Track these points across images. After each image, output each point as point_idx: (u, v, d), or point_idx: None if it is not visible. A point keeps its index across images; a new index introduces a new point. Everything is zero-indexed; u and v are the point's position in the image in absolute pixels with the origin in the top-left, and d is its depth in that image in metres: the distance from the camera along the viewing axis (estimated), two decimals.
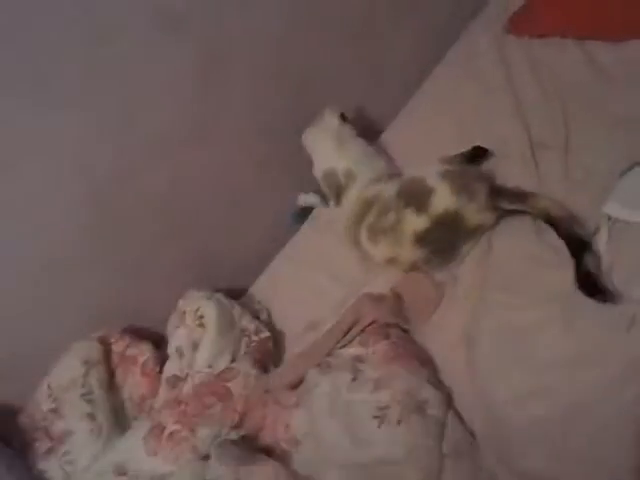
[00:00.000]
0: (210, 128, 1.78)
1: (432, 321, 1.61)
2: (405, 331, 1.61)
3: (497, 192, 1.60)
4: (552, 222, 1.51)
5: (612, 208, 1.43)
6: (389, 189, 1.70)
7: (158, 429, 1.57)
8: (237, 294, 1.97)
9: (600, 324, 1.32)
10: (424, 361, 1.52)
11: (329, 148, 1.85)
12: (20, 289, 1.66)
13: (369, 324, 1.59)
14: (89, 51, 1.48)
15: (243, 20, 1.67)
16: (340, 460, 1.38)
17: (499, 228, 1.61)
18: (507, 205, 1.58)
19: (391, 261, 1.66)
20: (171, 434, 1.55)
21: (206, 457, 1.51)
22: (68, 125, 1.53)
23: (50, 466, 1.60)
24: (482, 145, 1.77)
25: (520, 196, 1.58)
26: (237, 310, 1.82)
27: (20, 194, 1.55)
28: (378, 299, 1.66)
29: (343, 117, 1.86)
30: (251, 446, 1.45)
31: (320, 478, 1.37)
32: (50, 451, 1.61)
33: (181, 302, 1.81)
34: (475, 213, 1.57)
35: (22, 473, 1.54)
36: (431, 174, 1.63)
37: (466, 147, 1.77)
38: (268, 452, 1.43)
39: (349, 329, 1.61)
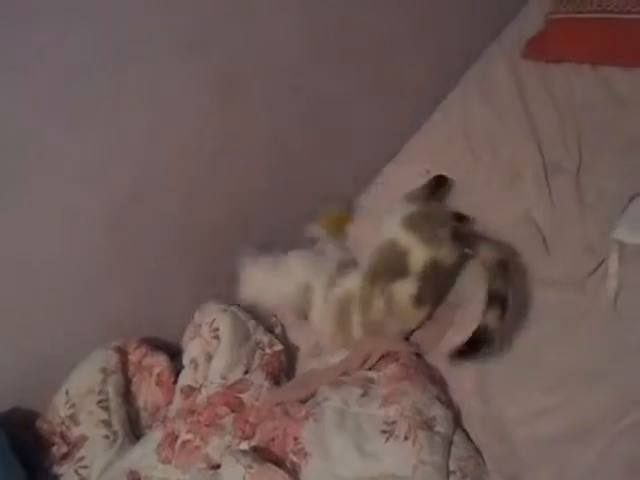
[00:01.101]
0: (228, 146, 1.81)
1: (441, 342, 1.63)
2: (416, 355, 1.62)
3: (461, 234, 1.64)
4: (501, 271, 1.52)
5: (622, 234, 1.45)
6: (355, 281, 1.72)
7: (171, 437, 1.61)
8: (253, 308, 1.99)
9: (605, 345, 1.34)
10: (434, 379, 1.54)
11: (275, 278, 1.87)
12: (41, 300, 1.71)
13: (383, 356, 1.61)
14: (114, 71, 1.52)
15: (260, 44, 1.71)
16: (348, 474, 1.40)
17: None
18: (469, 250, 1.63)
19: (402, 333, 1.67)
20: (184, 443, 1.59)
21: (217, 467, 1.54)
22: (91, 142, 1.58)
23: (66, 470, 1.64)
24: (444, 174, 1.83)
25: (481, 240, 1.61)
26: (252, 323, 1.85)
27: (43, 209, 1.60)
28: None
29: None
30: (262, 457, 1.46)
31: None
32: (66, 456, 1.66)
33: (197, 314, 1.85)
34: (448, 255, 1.61)
35: None
36: (394, 225, 1.67)
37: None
38: (278, 464, 1.44)
39: (363, 362, 1.63)
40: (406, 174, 1.96)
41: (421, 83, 2.05)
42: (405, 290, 1.61)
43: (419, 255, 1.60)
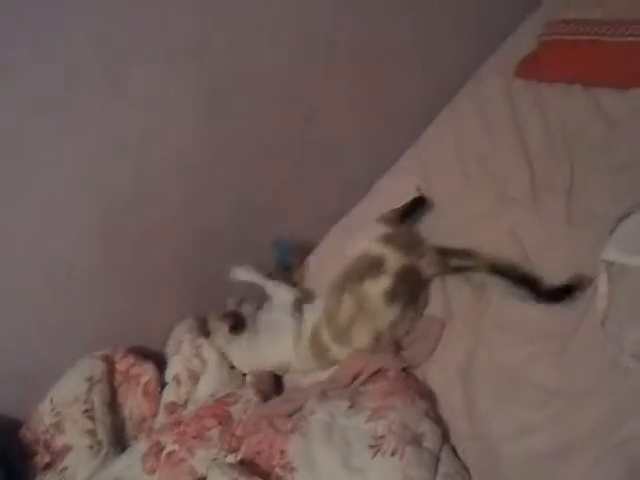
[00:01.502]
0: (221, 152, 1.81)
1: (432, 357, 1.63)
2: (405, 370, 1.62)
3: (444, 251, 1.67)
4: (499, 271, 1.56)
5: (611, 254, 1.45)
6: (315, 309, 1.76)
7: (157, 448, 1.60)
8: None
9: (593, 365, 1.34)
10: (423, 395, 1.53)
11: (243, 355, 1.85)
12: (29, 305, 1.70)
13: (373, 373, 1.61)
14: (111, 75, 1.52)
15: (253, 52, 1.71)
16: None
17: None
18: (456, 262, 1.65)
19: (375, 340, 1.66)
20: (169, 454, 1.58)
21: (202, 479, 1.53)
22: (89, 145, 1.58)
23: None
24: (422, 194, 1.85)
25: (466, 253, 1.64)
26: None
27: (37, 210, 1.59)
28: None
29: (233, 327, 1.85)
30: (248, 471, 1.45)
31: None
32: (49, 465, 1.65)
33: (177, 329, 1.86)
34: (427, 267, 1.66)
35: None
36: (369, 241, 1.71)
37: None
38: (264, 478, 1.44)
39: (353, 379, 1.63)
40: (397, 188, 1.96)
41: (414, 99, 2.07)
42: (377, 287, 1.63)
43: (397, 259, 1.64)
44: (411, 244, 1.69)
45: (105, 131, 1.58)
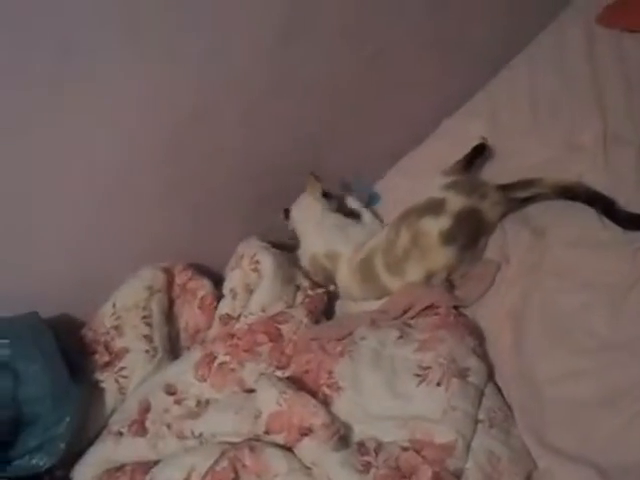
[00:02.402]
0: (286, 80, 1.79)
1: (483, 298, 1.65)
2: (456, 308, 1.64)
3: (506, 186, 1.66)
4: (568, 192, 1.57)
5: None
6: (379, 238, 1.76)
7: (209, 358, 1.67)
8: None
9: None
10: (472, 332, 1.56)
11: (310, 232, 1.90)
12: (98, 215, 1.74)
13: (424, 308, 1.63)
14: None
15: None
16: (378, 411, 1.44)
17: (554, 213, 1.63)
18: (520, 194, 1.64)
19: (427, 278, 1.67)
20: (221, 364, 1.65)
21: (250, 391, 1.59)
22: (152, 62, 1.56)
23: (106, 378, 1.70)
24: (484, 142, 1.82)
25: (529, 181, 1.64)
26: (295, 267, 1.89)
27: (106, 122, 1.59)
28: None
29: (325, 194, 1.92)
30: (295, 386, 1.51)
31: (357, 425, 1.44)
32: (108, 364, 1.72)
33: (240, 246, 1.89)
34: (491, 208, 1.64)
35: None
36: (434, 189, 1.70)
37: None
38: (310, 395, 1.48)
39: (404, 312, 1.65)
40: (463, 130, 1.95)
41: (489, 41, 2.01)
42: (436, 225, 1.63)
43: (458, 202, 1.64)
44: (473, 187, 1.68)
45: (169, 50, 1.57)
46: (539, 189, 1.63)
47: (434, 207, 1.66)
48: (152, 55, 1.55)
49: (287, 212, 1.95)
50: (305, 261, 1.93)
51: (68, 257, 1.74)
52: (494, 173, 1.80)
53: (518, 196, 1.66)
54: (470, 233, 1.64)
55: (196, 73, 1.65)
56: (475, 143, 1.83)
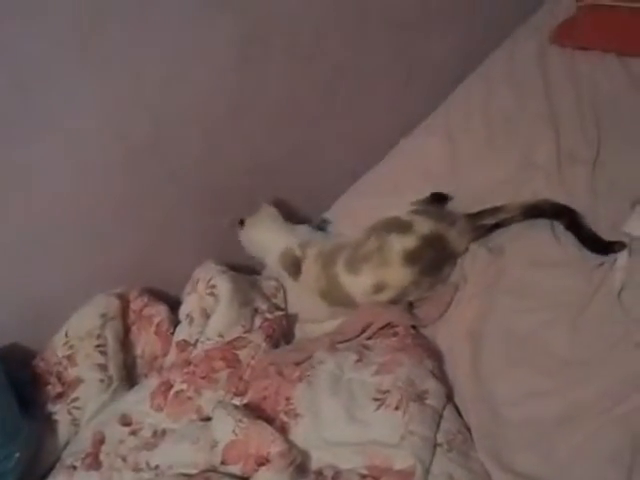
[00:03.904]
0: (244, 105, 1.79)
1: (442, 318, 1.63)
2: (414, 328, 1.63)
3: (474, 215, 1.66)
4: (535, 210, 1.58)
5: (632, 227, 1.44)
6: (354, 236, 1.75)
7: (166, 386, 1.63)
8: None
9: (605, 336, 1.35)
10: (430, 353, 1.54)
11: (277, 232, 1.89)
12: (47, 239, 1.69)
13: (383, 327, 1.62)
14: (133, 14, 1.49)
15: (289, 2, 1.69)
16: (336, 438, 1.41)
17: (511, 232, 1.63)
18: (488, 221, 1.64)
19: (377, 288, 1.64)
20: (177, 393, 1.61)
21: (208, 419, 1.55)
22: (109, 87, 1.56)
23: (59, 409, 1.65)
24: (440, 191, 1.81)
25: (496, 208, 1.64)
26: (252, 290, 1.86)
27: (59, 144, 1.57)
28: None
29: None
30: (252, 414, 1.48)
31: (315, 452, 1.41)
32: (60, 395, 1.67)
33: (197, 270, 1.85)
34: (458, 237, 1.63)
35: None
36: (403, 213, 1.69)
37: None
38: (268, 422, 1.45)
39: (362, 331, 1.64)
40: (420, 149, 1.95)
41: (445, 59, 2.03)
42: (401, 243, 1.61)
43: (425, 225, 1.63)
44: (442, 215, 1.68)
45: (126, 72, 1.56)
46: (506, 214, 1.62)
47: (402, 226, 1.65)
48: (111, 72, 1.54)
49: (242, 222, 1.92)
50: (274, 261, 1.90)
51: (15, 284, 1.70)
52: (449, 190, 1.81)
53: (486, 223, 1.65)
54: (433, 259, 1.63)
55: (158, 93, 1.64)
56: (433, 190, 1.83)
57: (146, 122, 1.66)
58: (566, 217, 1.54)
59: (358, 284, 1.67)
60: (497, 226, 1.64)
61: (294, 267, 1.84)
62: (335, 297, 1.74)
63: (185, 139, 1.76)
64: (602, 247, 1.47)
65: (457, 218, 1.66)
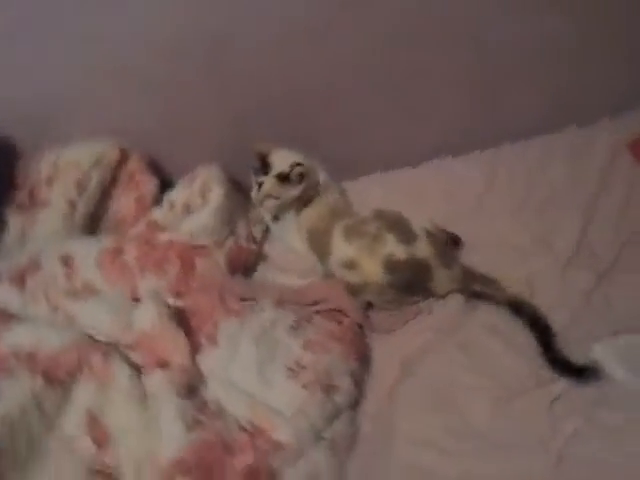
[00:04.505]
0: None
1: (389, 334, 1.61)
2: (360, 327, 1.61)
3: (469, 272, 1.63)
4: (518, 308, 1.54)
5: (601, 355, 1.42)
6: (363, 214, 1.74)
7: (117, 251, 1.64)
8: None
9: (523, 432, 1.34)
10: (361, 357, 1.54)
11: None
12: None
13: (334, 309, 1.61)
14: None
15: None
16: (238, 382, 1.44)
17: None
18: (477, 287, 1.61)
19: (351, 265, 1.62)
20: (124, 263, 1.63)
21: (137, 301, 1.58)
22: None
23: (13, 217, 1.68)
24: (457, 235, 1.76)
25: (490, 280, 1.61)
26: (240, 213, 1.85)
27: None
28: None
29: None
30: (177, 318, 1.50)
31: (213, 384, 1.43)
32: (23, 207, 1.70)
33: (201, 167, 1.84)
34: (445, 279, 1.60)
35: None
36: (417, 224, 1.66)
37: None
38: (186, 334, 1.47)
39: (315, 303, 1.63)
40: (463, 174, 1.95)
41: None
42: (392, 247, 1.58)
43: (425, 250, 1.59)
44: (445, 252, 1.64)
45: None
46: (494, 291, 1.59)
47: (406, 234, 1.61)
48: None
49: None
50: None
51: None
52: (464, 230, 1.78)
53: (473, 288, 1.61)
54: (409, 281, 1.59)
55: None
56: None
57: None
58: (540, 331, 1.49)
59: (341, 249, 1.65)
60: (480, 296, 1.61)
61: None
62: (319, 245, 1.72)
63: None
64: (572, 371, 1.41)
65: (455, 264, 1.63)
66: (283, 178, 1.73)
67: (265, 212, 1.83)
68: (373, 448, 1.41)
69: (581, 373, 1.39)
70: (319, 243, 1.72)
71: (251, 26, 1.70)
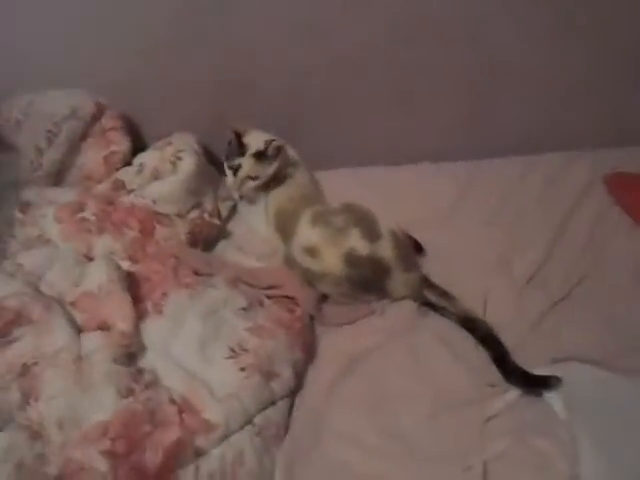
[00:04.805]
0: None
1: (340, 328, 1.61)
2: (312, 318, 1.60)
3: (427, 281, 1.64)
4: (470, 324, 1.55)
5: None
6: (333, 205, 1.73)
7: (78, 206, 1.62)
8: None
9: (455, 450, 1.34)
10: (306, 349, 1.52)
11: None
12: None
13: (287, 297, 1.60)
14: None
15: None
16: (177, 355, 1.42)
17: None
18: (432, 298, 1.62)
19: (313, 252, 1.61)
20: (83, 219, 1.61)
21: (90, 259, 1.56)
22: None
23: None
24: (419, 242, 1.77)
25: (445, 293, 1.62)
26: (209, 186, 1.83)
27: None
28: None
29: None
30: (127, 282, 1.48)
31: (151, 354, 1.41)
32: None
33: (176, 134, 1.82)
34: (402, 283, 1.61)
35: None
36: (384, 224, 1.65)
37: None
38: (133, 300, 1.45)
39: (269, 287, 1.62)
40: (433, 183, 1.95)
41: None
42: (354, 241, 1.58)
43: (387, 250, 1.59)
44: (407, 255, 1.64)
45: None
46: (448, 305, 1.60)
47: (370, 231, 1.61)
48: None
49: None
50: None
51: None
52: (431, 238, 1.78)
53: (429, 299, 1.62)
54: (365, 278, 1.59)
55: None
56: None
57: None
58: (493, 349, 1.50)
59: (305, 234, 1.64)
60: (434, 308, 1.62)
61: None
62: (285, 226, 1.71)
63: None
64: (532, 381, 1.43)
65: (415, 270, 1.64)
66: (260, 155, 1.71)
67: (244, 197, 1.80)
68: (302, 439, 1.40)
69: (537, 384, 1.42)
70: (285, 224, 1.71)
71: None
